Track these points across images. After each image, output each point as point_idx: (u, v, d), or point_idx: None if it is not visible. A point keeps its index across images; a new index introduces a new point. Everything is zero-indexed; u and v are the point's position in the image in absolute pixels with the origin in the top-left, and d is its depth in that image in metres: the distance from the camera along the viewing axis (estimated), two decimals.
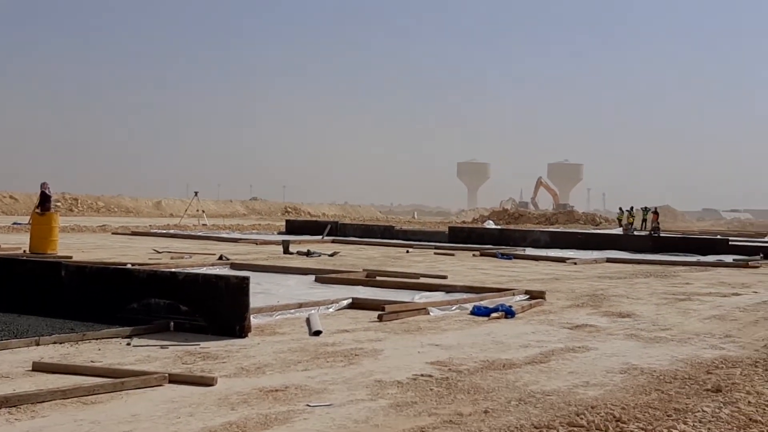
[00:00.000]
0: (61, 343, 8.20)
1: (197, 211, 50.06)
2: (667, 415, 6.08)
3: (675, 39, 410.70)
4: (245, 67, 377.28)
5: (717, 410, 6.27)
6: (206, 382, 6.68)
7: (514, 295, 13.17)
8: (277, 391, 6.53)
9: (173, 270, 12.61)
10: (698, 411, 6.24)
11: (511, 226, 58.30)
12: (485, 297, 12.65)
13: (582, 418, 5.88)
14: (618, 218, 61.12)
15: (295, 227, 39.45)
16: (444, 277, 16.69)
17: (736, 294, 15.61)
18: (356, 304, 11.66)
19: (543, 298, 13.24)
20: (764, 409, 6.37)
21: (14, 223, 37.17)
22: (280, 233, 37.44)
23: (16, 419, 5.50)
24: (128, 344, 8.32)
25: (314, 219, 63.80)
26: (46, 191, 21.81)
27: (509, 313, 11.23)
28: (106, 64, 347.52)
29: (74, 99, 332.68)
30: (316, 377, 7.08)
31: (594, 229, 62.03)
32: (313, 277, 15.69)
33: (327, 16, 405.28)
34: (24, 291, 10.29)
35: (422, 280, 15.95)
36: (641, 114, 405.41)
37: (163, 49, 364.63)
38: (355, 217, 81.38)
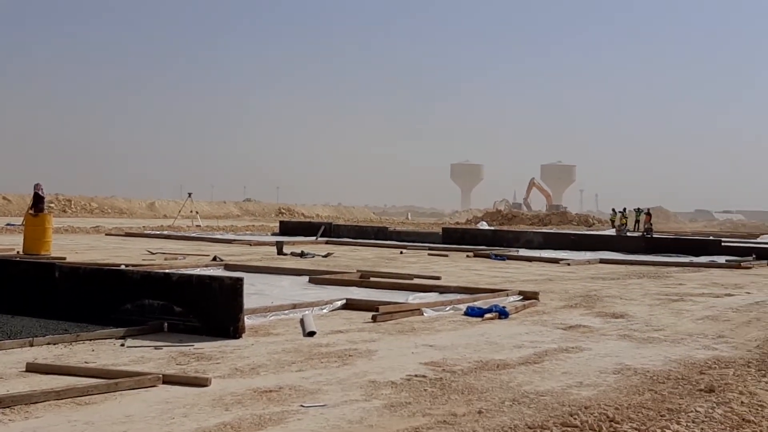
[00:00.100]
0: (54, 344, 8.19)
1: (191, 212, 49.97)
2: (661, 416, 6.10)
3: (670, 41, 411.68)
4: (239, 68, 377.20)
5: (710, 410, 6.29)
6: (200, 382, 6.68)
7: (507, 295, 13.19)
8: (271, 391, 6.53)
9: (167, 271, 12.60)
10: (691, 411, 6.26)
11: (505, 227, 58.45)
12: (479, 298, 12.67)
13: (576, 419, 5.90)
14: (611, 219, 61.18)
15: (288, 228, 39.42)
16: (438, 278, 16.71)
17: (729, 295, 15.65)
18: (350, 305, 11.67)
19: (536, 298, 13.26)
20: (757, 410, 6.40)
21: (7, 224, 37.06)
22: (273, 234, 37.41)
23: (9, 420, 5.50)
24: (122, 345, 8.31)
25: (308, 220, 63.79)
26: (40, 192, 21.77)
27: (503, 313, 11.25)
28: (99, 64, 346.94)
29: (68, 100, 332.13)
30: (310, 378, 7.09)
31: (587, 230, 62.19)
32: (307, 278, 15.69)
33: (322, 18, 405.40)
34: (17, 292, 10.27)
35: (416, 281, 15.96)
36: (634, 115, 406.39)
37: (157, 49, 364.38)
38: (349, 218, 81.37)
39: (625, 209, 55.31)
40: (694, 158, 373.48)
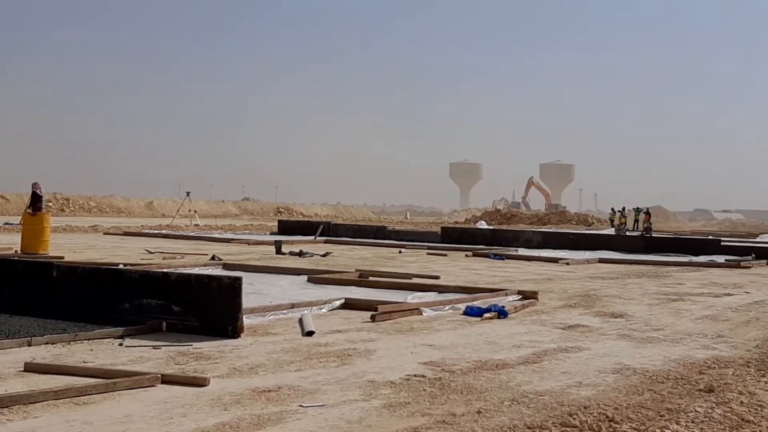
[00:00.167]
0: (53, 344, 8.18)
1: (189, 211, 49.93)
2: (660, 415, 6.09)
3: (670, 40, 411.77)
4: (238, 67, 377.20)
5: (709, 410, 6.28)
6: (199, 382, 6.67)
7: (506, 295, 13.19)
8: (269, 391, 6.52)
9: (165, 270, 12.59)
10: (691, 411, 6.25)
11: (504, 227, 58.38)
12: (478, 297, 12.66)
13: (575, 419, 5.89)
14: (610, 218, 61.18)
15: (287, 227, 39.41)
16: (437, 278, 16.70)
17: (728, 294, 15.65)
18: (349, 305, 11.66)
19: (535, 298, 13.26)
20: (756, 409, 6.39)
21: (5, 224, 37.03)
22: (272, 233, 37.40)
23: (8, 420, 5.49)
24: (120, 345, 8.30)
25: (306, 219, 63.74)
26: (38, 191, 21.74)
27: (502, 313, 11.24)
28: (98, 64, 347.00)
29: (66, 99, 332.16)
30: (309, 378, 7.08)
31: (586, 229, 62.17)
32: (305, 277, 15.67)
33: (322, 18, 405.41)
34: (16, 291, 10.26)
35: (415, 280, 15.95)
36: (634, 115, 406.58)
37: (156, 49, 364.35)
38: (348, 218, 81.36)
39: (624, 208, 55.36)
40: (694, 158, 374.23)
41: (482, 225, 58.11)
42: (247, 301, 9.69)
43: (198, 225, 45.29)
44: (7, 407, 5.72)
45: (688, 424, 5.90)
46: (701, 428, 5.83)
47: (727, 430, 5.82)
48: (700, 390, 7.01)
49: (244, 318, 9.24)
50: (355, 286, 14.57)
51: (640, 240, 33.24)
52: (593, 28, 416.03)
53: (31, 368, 6.98)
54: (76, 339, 8.41)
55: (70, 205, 68.65)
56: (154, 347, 8.20)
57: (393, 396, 6.51)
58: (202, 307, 9.16)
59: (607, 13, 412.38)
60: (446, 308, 11.71)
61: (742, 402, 6.60)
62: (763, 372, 7.91)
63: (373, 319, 10.48)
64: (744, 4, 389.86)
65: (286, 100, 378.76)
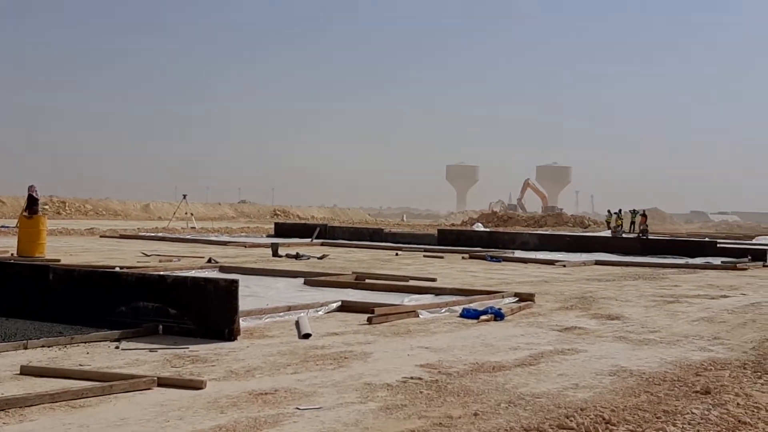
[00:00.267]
0: (49, 347, 8.17)
1: (186, 214, 49.90)
2: (657, 417, 6.10)
3: (664, 44, 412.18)
4: (233, 70, 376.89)
5: (706, 412, 6.29)
6: (195, 385, 6.66)
7: (503, 297, 13.19)
8: (266, 394, 6.51)
9: (162, 273, 12.57)
10: (687, 413, 6.26)
11: (500, 229, 58.52)
12: (474, 299, 12.66)
13: (571, 421, 5.89)
14: (606, 221, 61.19)
15: (284, 230, 39.40)
16: (433, 280, 16.70)
17: (725, 296, 15.67)
18: (345, 307, 11.65)
19: (532, 300, 13.26)
20: (753, 411, 6.40)
21: (2, 227, 36.98)
22: (268, 236, 37.38)
23: (4, 423, 5.48)
24: (117, 347, 8.29)
25: (303, 222, 63.73)
26: (34, 194, 21.69)
27: (498, 315, 11.24)
28: (94, 66, 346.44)
29: (62, 102, 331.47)
30: (305, 380, 7.07)
31: (583, 231, 62.21)
32: (302, 280, 15.66)
33: (317, 19, 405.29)
34: (12, 294, 10.24)
35: (411, 282, 15.95)
36: (630, 117, 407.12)
37: (151, 51, 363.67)
38: (344, 220, 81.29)
39: (620, 210, 55.39)
40: (690, 160, 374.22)
41: (479, 227, 58.13)
42: (243, 304, 9.68)
43: (194, 228, 45.27)
44: (3, 410, 5.71)
45: (684, 426, 5.90)
46: (697, 430, 5.83)
47: None
48: (697, 392, 7.01)
49: (240, 321, 9.23)
50: (352, 288, 14.57)
51: (636, 242, 33.30)
52: (588, 29, 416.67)
53: (27, 371, 6.97)
54: (72, 342, 8.39)
55: (67, 208, 68.61)
56: (151, 350, 8.19)
57: (389, 398, 6.51)
58: (199, 310, 9.15)
59: (603, 14, 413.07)
60: (443, 310, 11.71)
61: (738, 404, 6.60)
62: (759, 374, 7.92)
63: (369, 321, 10.48)
64: (739, 5, 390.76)
65: (282, 102, 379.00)
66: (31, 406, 5.86)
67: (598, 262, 24.71)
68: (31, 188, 21.77)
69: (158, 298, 9.40)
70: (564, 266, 22.84)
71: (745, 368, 8.19)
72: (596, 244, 31.39)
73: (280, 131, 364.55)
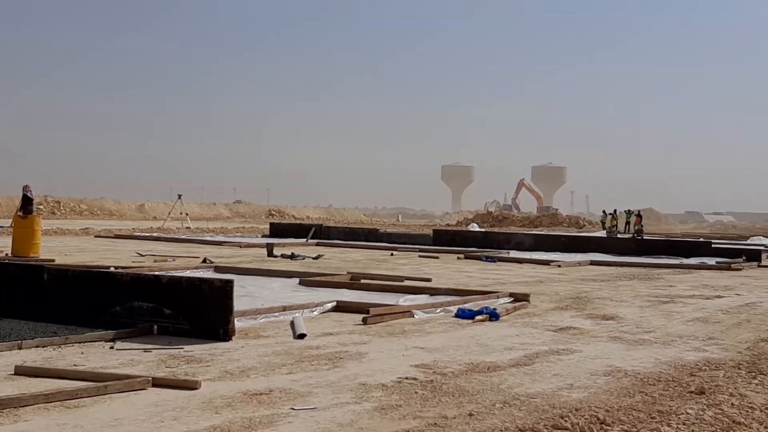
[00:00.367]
0: (43, 347, 8.15)
1: (181, 214, 49.89)
2: (651, 418, 6.10)
3: (659, 45, 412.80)
4: (228, 70, 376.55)
5: (700, 412, 6.29)
6: (190, 385, 6.66)
7: (498, 297, 13.19)
8: (261, 394, 6.51)
9: (157, 273, 12.56)
10: (682, 413, 6.27)
11: (495, 229, 58.62)
12: (470, 300, 12.67)
13: (566, 421, 5.90)
14: (601, 221, 61.42)
15: (279, 230, 39.39)
16: (428, 280, 16.70)
17: (719, 296, 15.69)
18: (340, 307, 11.65)
19: (527, 300, 13.26)
20: (747, 412, 6.41)
21: None
22: (264, 236, 37.36)
23: None
24: (111, 348, 8.28)
25: (298, 222, 63.71)
26: (28, 194, 21.67)
27: (493, 315, 11.24)
28: (89, 66, 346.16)
29: (57, 101, 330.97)
30: (300, 380, 7.07)
31: (577, 231, 62.30)
32: (297, 280, 15.66)
33: (312, 20, 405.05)
34: (6, 294, 10.22)
35: (407, 283, 15.95)
36: (625, 117, 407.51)
37: (146, 51, 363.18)
38: (340, 220, 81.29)
39: (615, 211, 55.56)
40: (685, 160, 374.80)
41: (474, 227, 58.28)
42: (238, 304, 9.68)
43: (189, 228, 45.24)
44: None
45: (679, 426, 5.91)
46: (692, 430, 5.84)
47: None
48: (691, 392, 7.02)
49: (235, 321, 9.22)
50: (347, 288, 14.56)
51: (631, 242, 33.33)
52: (584, 30, 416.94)
53: (21, 371, 6.96)
54: (66, 342, 8.38)
55: (61, 207, 68.52)
56: (145, 350, 8.17)
57: (384, 399, 6.51)
58: (194, 310, 9.14)
59: (599, 15, 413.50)
60: (438, 311, 11.71)
61: (732, 404, 6.61)
62: (754, 374, 7.93)
63: (364, 321, 10.48)
64: (732, 8, 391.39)
65: (277, 102, 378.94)
66: (26, 406, 5.85)
67: (593, 263, 24.73)
68: (25, 188, 21.74)
69: (153, 298, 9.38)
70: (559, 266, 22.86)
71: (739, 368, 8.20)
72: (591, 245, 31.42)
73: (276, 131, 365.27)
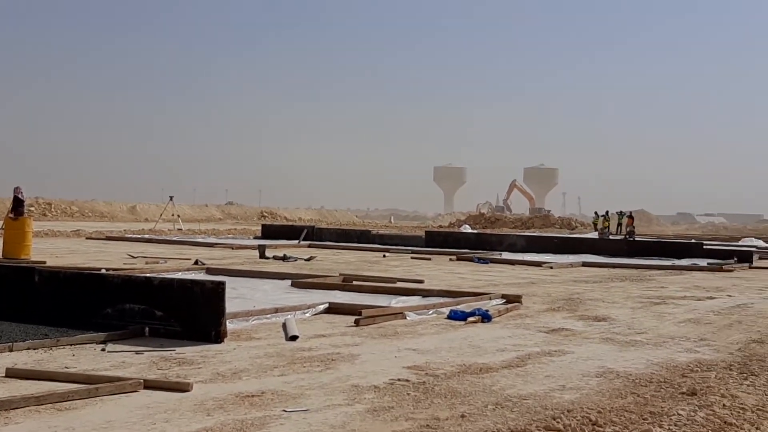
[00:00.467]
0: (35, 349, 8.12)
1: (172, 215, 49.83)
2: (643, 419, 6.11)
3: (659, 45, 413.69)
4: (222, 71, 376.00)
5: (692, 413, 6.31)
6: (182, 387, 6.64)
7: (490, 299, 13.21)
8: (253, 396, 6.50)
9: (148, 275, 12.51)
10: (673, 414, 6.28)
11: (488, 231, 58.58)
12: (462, 301, 12.67)
13: (558, 422, 5.90)
14: (593, 222, 61.41)
15: (271, 232, 39.36)
16: (421, 282, 16.71)
17: (711, 298, 15.73)
18: (333, 309, 11.64)
19: (519, 302, 13.28)
20: (738, 412, 6.42)
21: None
22: (256, 238, 37.34)
23: None
24: (103, 350, 8.26)
25: (290, 223, 63.59)
26: (19, 196, 21.60)
27: (486, 317, 11.25)
28: (81, 68, 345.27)
29: (48, 103, 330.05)
30: (292, 382, 7.06)
31: (570, 233, 62.35)
32: (289, 281, 15.64)
33: (307, 21, 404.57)
34: None
35: (399, 284, 15.94)
36: (617, 119, 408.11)
37: (140, 52, 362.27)
38: (332, 222, 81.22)
39: (607, 212, 55.58)
40: (677, 162, 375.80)
41: (466, 229, 58.33)
42: (230, 306, 9.66)
43: (181, 229, 45.16)
44: None
45: (670, 427, 5.92)
46: (684, 431, 5.85)
47: None
48: (683, 393, 7.04)
49: (227, 323, 9.21)
50: (339, 290, 14.55)
51: (623, 244, 33.42)
52: (584, 30, 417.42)
53: (12, 374, 6.93)
54: (58, 344, 8.35)
55: (53, 209, 68.27)
56: (137, 352, 8.15)
57: (377, 400, 6.50)
58: (185, 312, 9.12)
59: (599, 15, 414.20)
60: (430, 312, 11.71)
61: (724, 405, 6.63)
62: (745, 375, 7.96)
63: (356, 323, 10.47)
64: (725, 8, 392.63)
65: (270, 104, 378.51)
66: (17, 408, 5.83)
67: (585, 264, 24.79)
68: (16, 190, 21.67)
69: (144, 300, 9.36)
70: (551, 268, 22.89)
71: (731, 369, 8.22)
72: (583, 246, 31.50)
73: (276, 131, 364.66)
